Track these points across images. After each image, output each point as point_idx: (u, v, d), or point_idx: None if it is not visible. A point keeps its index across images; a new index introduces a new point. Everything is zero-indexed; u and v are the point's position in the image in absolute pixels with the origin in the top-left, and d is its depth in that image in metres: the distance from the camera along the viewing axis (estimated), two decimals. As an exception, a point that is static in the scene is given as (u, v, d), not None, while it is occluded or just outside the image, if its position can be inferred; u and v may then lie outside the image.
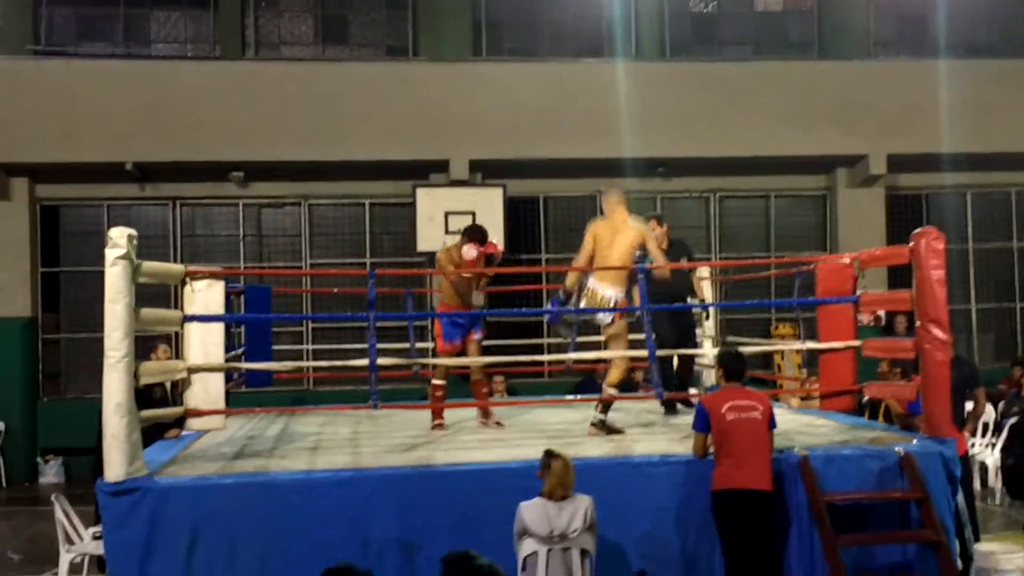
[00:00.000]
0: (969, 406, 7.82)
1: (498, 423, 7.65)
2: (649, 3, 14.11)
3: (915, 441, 6.32)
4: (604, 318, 7.01)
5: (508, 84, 13.21)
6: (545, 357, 10.24)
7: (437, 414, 7.61)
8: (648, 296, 7.03)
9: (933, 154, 13.42)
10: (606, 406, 6.94)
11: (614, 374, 7.01)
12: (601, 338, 7.49)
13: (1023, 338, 14.15)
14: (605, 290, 6.97)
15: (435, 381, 7.68)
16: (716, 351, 8.20)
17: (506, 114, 12.96)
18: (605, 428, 6.85)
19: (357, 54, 14.17)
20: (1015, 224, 14.54)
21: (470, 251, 7.36)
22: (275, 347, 9.76)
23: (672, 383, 8.40)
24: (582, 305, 7.04)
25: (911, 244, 6.39)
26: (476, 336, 7.64)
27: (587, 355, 7.57)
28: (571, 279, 7.22)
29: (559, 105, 13.07)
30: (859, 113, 13.32)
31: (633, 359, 7.48)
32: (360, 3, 14.18)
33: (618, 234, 7.01)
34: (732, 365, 6.04)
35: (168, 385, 7.82)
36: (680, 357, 8.24)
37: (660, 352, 7.15)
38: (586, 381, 11.39)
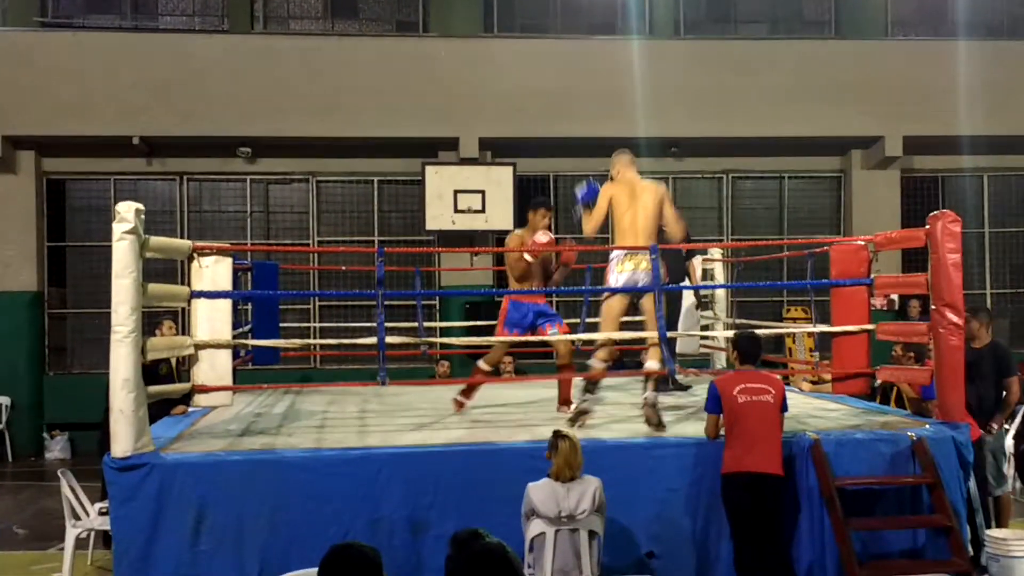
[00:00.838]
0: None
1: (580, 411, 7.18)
2: (662, -21, 13.98)
3: (928, 426, 6.27)
4: (647, 282, 6.58)
5: (519, 61, 13.10)
6: (554, 338, 10.14)
7: (466, 392, 7.38)
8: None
9: (950, 136, 13.32)
10: (657, 382, 6.59)
11: (656, 351, 6.64)
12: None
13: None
14: (643, 254, 6.59)
15: (481, 364, 7.51)
16: (729, 334, 8.17)
17: (517, 92, 12.85)
18: (657, 414, 6.41)
19: (366, 29, 14.07)
20: (1032, 208, 14.43)
21: (541, 237, 7.11)
22: (282, 324, 9.71)
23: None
24: (626, 274, 6.58)
25: (927, 227, 6.31)
26: (551, 331, 7.27)
27: (595, 336, 7.47)
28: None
29: (570, 83, 12.96)
30: (875, 94, 13.19)
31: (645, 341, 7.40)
32: (369, -24, 14.09)
33: (640, 194, 6.69)
34: (747, 348, 5.98)
35: (173, 361, 7.78)
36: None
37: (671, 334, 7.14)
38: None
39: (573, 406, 6.91)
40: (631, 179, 6.80)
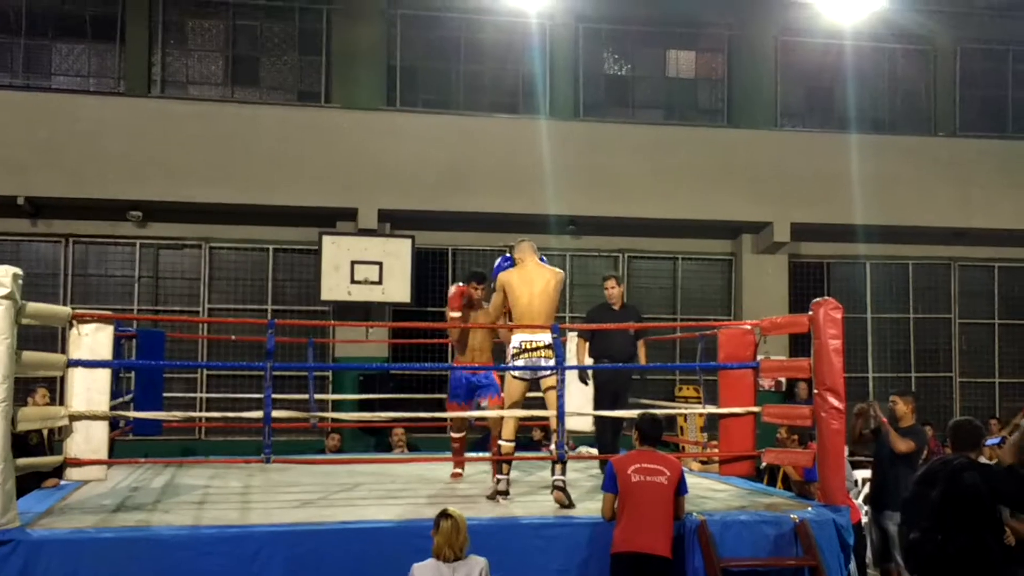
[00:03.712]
0: None
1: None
2: (564, 63, 14.29)
3: (810, 508, 6.38)
4: (550, 362, 6.63)
5: (420, 135, 13.17)
6: (447, 414, 10.08)
7: (456, 464, 7.91)
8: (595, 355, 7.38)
9: (835, 224, 13.85)
10: (564, 468, 6.51)
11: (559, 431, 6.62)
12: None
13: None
14: (542, 337, 6.65)
15: (451, 434, 7.88)
16: (624, 413, 8.21)
17: (417, 165, 12.90)
18: (568, 497, 6.40)
19: (267, 97, 13.97)
20: (911, 296, 14.99)
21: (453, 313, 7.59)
22: (167, 394, 9.44)
23: (607, 440, 8.35)
24: (521, 362, 6.67)
25: (810, 313, 6.49)
26: (483, 403, 7.53)
27: (489, 413, 7.45)
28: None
29: (471, 158, 13.08)
30: (764, 181, 13.65)
31: (537, 417, 7.41)
32: (272, 46, 14.02)
33: (535, 280, 6.82)
34: (647, 430, 6.05)
35: (45, 431, 7.45)
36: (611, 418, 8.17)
37: (598, 412, 7.67)
38: (487, 438, 11.24)
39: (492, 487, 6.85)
40: (528, 264, 6.96)
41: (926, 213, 14.10)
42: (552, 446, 6.69)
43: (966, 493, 5.37)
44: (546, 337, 6.65)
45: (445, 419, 10.52)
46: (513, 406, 6.83)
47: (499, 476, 6.77)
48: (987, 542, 5.33)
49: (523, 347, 6.66)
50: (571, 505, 6.36)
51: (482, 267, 13.15)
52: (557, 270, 7.01)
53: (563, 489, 6.41)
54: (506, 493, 6.68)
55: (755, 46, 14.73)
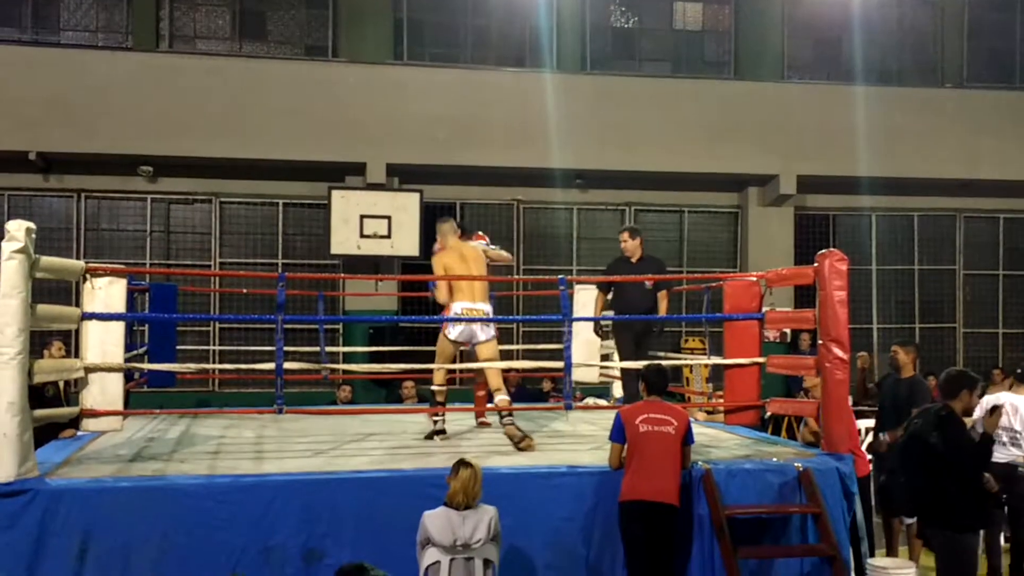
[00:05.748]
0: None
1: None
2: (571, 16, 14.21)
3: (814, 457, 6.46)
4: (488, 332, 7.24)
5: (428, 89, 13.15)
6: (456, 366, 10.19)
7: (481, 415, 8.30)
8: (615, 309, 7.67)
9: (841, 176, 13.83)
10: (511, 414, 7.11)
11: (500, 383, 7.26)
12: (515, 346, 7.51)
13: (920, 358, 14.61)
14: (482, 305, 7.25)
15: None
16: (627, 364, 8.32)
17: (425, 119, 12.90)
18: (519, 430, 6.92)
19: (275, 51, 13.94)
20: (916, 247, 15.02)
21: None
22: (181, 347, 9.55)
23: (634, 390, 8.47)
24: (461, 327, 7.18)
25: (815, 265, 6.53)
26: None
27: (497, 364, 7.54)
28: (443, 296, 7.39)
29: (478, 112, 13.07)
30: (771, 133, 13.63)
31: (546, 369, 7.61)
32: (279, 0, 13.97)
33: (467, 255, 7.36)
34: (653, 380, 6.14)
35: (61, 383, 7.57)
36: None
37: (624, 364, 7.85)
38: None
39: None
40: (456, 245, 7.43)
41: (932, 165, 14.07)
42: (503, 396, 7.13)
43: (917, 439, 5.53)
44: (484, 306, 7.26)
45: (454, 370, 10.71)
46: (443, 361, 7.44)
47: (435, 418, 7.43)
48: (943, 485, 5.52)
49: (463, 313, 7.18)
50: (526, 437, 6.82)
51: (492, 221, 13.38)
52: (477, 245, 7.61)
53: (513, 424, 6.95)
54: (443, 432, 7.38)
55: (762, -3, 14.64)
